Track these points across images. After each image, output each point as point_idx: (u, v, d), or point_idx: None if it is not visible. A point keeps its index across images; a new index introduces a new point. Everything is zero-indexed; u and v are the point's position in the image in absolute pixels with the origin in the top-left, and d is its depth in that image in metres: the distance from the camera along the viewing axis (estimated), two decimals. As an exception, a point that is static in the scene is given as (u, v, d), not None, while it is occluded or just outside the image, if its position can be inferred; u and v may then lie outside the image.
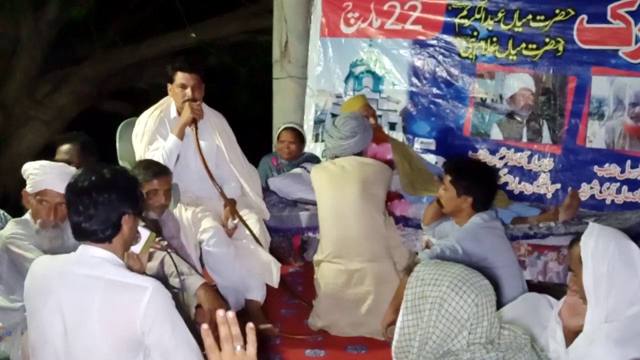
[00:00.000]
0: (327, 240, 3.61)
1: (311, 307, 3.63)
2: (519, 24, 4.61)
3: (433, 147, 4.92)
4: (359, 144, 3.73)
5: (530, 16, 4.58)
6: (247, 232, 3.72)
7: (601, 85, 4.42)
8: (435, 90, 4.91)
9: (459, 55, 4.81)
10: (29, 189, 2.87)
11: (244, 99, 8.87)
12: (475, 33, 4.74)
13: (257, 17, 7.72)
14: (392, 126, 5.00)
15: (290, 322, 3.65)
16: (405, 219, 4.05)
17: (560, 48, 4.51)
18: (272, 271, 3.63)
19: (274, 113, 5.62)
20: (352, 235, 3.52)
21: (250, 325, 1.43)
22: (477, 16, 4.72)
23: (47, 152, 3.63)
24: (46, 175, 2.83)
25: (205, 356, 2.15)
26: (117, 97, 8.96)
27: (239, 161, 3.98)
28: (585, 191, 4.44)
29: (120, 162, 4.12)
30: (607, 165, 4.42)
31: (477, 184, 3.16)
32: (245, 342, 1.44)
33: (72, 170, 2.96)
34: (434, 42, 4.88)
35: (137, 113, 4.00)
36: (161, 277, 2.79)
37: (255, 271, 3.61)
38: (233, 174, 3.90)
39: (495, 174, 3.62)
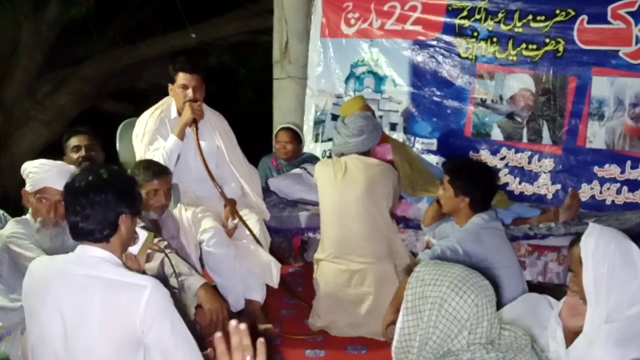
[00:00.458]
0: (328, 240, 3.61)
1: (311, 307, 3.63)
2: (519, 24, 4.61)
3: (434, 148, 4.92)
4: (364, 142, 3.71)
5: (530, 17, 4.57)
6: (247, 232, 3.72)
7: (601, 86, 4.42)
8: (435, 91, 4.91)
9: (459, 55, 4.81)
10: (28, 187, 2.87)
11: (244, 99, 8.87)
12: (476, 33, 4.74)
13: (257, 17, 7.73)
14: (393, 127, 4.99)
15: (290, 322, 3.65)
16: (406, 220, 4.04)
17: (561, 48, 4.51)
18: (272, 271, 3.63)
19: (274, 113, 5.62)
20: (354, 235, 3.52)
21: (261, 340, 1.44)
22: (477, 17, 4.72)
23: (48, 152, 3.63)
24: (45, 174, 2.83)
25: (205, 356, 2.17)
26: (117, 97, 8.96)
27: (239, 161, 3.98)
28: (585, 192, 4.43)
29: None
30: (607, 165, 4.42)
31: (475, 185, 3.16)
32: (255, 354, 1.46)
33: (71, 168, 2.97)
34: (434, 42, 4.88)
35: (137, 113, 4.00)
36: (161, 278, 2.79)
37: (256, 271, 3.61)
38: (233, 174, 3.90)
39: (494, 175, 3.62)
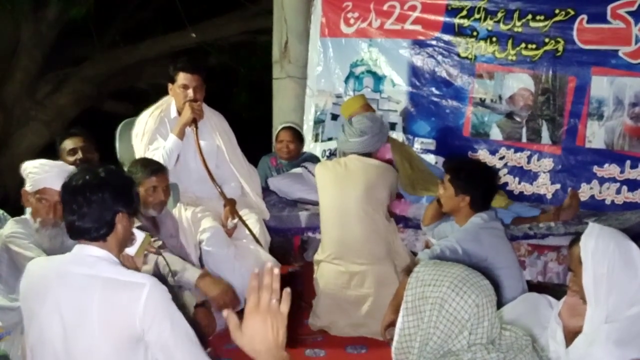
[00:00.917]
0: (329, 241, 3.61)
1: (311, 307, 3.63)
2: (518, 24, 4.61)
3: (433, 147, 4.92)
4: (366, 144, 3.70)
5: (530, 16, 4.57)
6: (247, 232, 3.72)
7: (601, 86, 4.42)
8: (434, 90, 4.91)
9: (459, 55, 4.80)
10: (28, 187, 2.87)
11: (243, 99, 8.86)
12: (475, 33, 4.74)
13: (257, 18, 7.73)
14: (392, 126, 4.99)
15: (289, 322, 3.64)
16: (405, 219, 4.05)
17: (560, 48, 4.51)
18: (271, 271, 3.62)
19: (274, 113, 5.62)
20: (354, 237, 3.52)
21: (287, 290, 1.51)
22: (477, 16, 4.71)
23: (48, 153, 3.64)
24: (45, 174, 2.84)
25: (209, 354, 2.17)
26: (117, 97, 8.95)
27: (239, 161, 3.98)
28: (585, 191, 4.43)
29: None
30: (606, 165, 4.42)
31: (475, 184, 3.17)
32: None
33: (71, 168, 2.97)
34: (434, 42, 4.87)
35: (137, 113, 4.01)
36: (158, 277, 2.79)
37: (255, 271, 3.60)
38: (233, 174, 3.90)
39: (495, 174, 3.62)
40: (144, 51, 8.31)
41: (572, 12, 4.46)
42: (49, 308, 2.05)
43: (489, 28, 4.69)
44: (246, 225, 3.71)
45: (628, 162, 4.37)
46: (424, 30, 4.89)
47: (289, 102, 5.49)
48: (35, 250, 2.72)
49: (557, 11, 4.49)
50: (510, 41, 4.63)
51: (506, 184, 4.64)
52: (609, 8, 4.35)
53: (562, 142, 4.54)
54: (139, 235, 2.31)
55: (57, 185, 2.67)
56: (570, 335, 2.19)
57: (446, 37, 4.83)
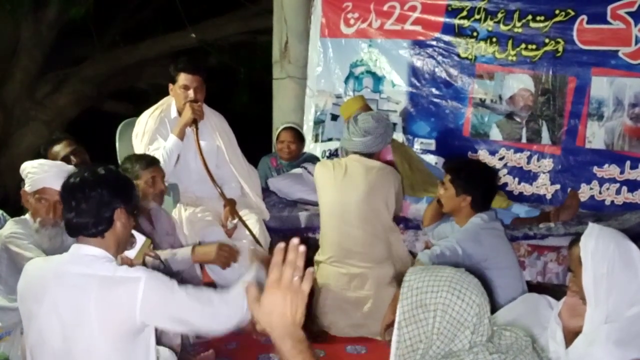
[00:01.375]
0: (328, 243, 3.60)
1: (311, 307, 3.63)
2: (518, 24, 4.61)
3: (433, 148, 4.92)
4: (368, 144, 3.65)
5: (530, 17, 4.57)
6: (247, 232, 3.72)
7: (601, 86, 4.42)
8: (434, 91, 4.91)
9: (459, 55, 4.80)
10: (27, 188, 2.87)
11: (243, 99, 8.86)
12: (475, 33, 4.74)
13: (257, 18, 7.72)
14: (392, 127, 4.99)
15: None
16: (405, 220, 4.04)
17: (560, 49, 4.51)
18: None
19: (274, 113, 5.62)
20: (353, 240, 3.51)
21: (311, 269, 1.47)
22: (477, 17, 4.71)
23: (40, 155, 3.62)
24: (44, 174, 2.83)
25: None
26: (117, 97, 8.95)
27: (239, 162, 3.98)
28: (584, 192, 4.43)
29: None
30: (606, 166, 4.42)
31: (476, 184, 3.17)
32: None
33: (70, 168, 2.97)
34: (434, 42, 4.87)
35: (137, 113, 4.01)
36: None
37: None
38: (233, 174, 3.90)
39: (495, 174, 3.62)
40: (144, 51, 8.30)
41: (572, 13, 4.46)
42: (47, 308, 2.05)
43: (489, 29, 4.69)
44: (246, 226, 3.71)
45: (628, 163, 4.37)
46: (424, 30, 4.89)
47: (289, 103, 5.49)
48: (35, 251, 2.72)
49: (557, 12, 4.50)
50: (510, 42, 4.63)
51: (506, 184, 4.65)
52: (609, 8, 4.36)
53: (562, 142, 4.54)
54: (140, 239, 2.31)
55: (56, 185, 2.67)
56: (570, 336, 2.18)
57: (446, 38, 4.83)
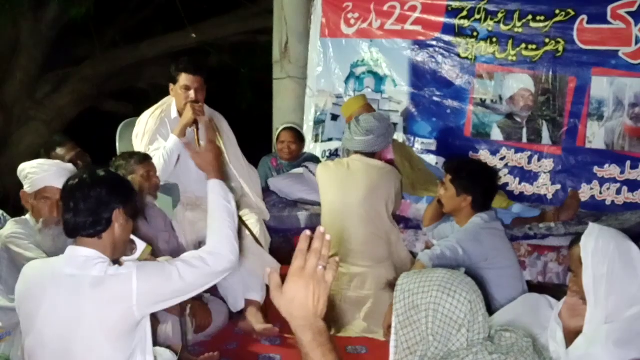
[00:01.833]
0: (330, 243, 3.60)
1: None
2: (518, 24, 4.61)
3: (434, 148, 4.92)
4: (370, 143, 3.66)
5: (530, 17, 4.58)
6: (247, 232, 3.71)
7: (601, 86, 4.42)
8: (435, 91, 4.91)
9: (459, 55, 4.81)
10: (27, 188, 2.87)
11: (244, 99, 8.86)
12: (475, 33, 4.74)
13: (257, 18, 7.72)
14: (394, 127, 4.99)
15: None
16: (406, 220, 4.04)
17: (560, 49, 4.51)
18: (272, 271, 3.63)
19: (274, 113, 5.62)
20: (355, 239, 3.51)
21: (336, 258, 1.45)
22: (477, 17, 4.72)
23: (41, 156, 3.63)
24: (45, 173, 2.83)
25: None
26: (118, 97, 8.95)
27: (239, 162, 3.98)
28: (585, 192, 4.44)
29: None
30: (607, 166, 4.42)
31: (477, 184, 3.17)
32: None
33: (70, 166, 2.98)
34: (434, 42, 4.88)
35: (138, 113, 4.00)
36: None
37: (255, 271, 3.61)
38: (233, 174, 3.90)
39: (495, 174, 3.63)
40: (144, 51, 8.30)
41: (572, 13, 4.46)
42: (46, 311, 2.05)
43: (489, 29, 4.69)
44: (246, 226, 3.71)
45: (628, 163, 4.38)
46: (424, 30, 4.90)
47: (289, 103, 5.49)
48: (35, 251, 2.71)
49: (557, 12, 4.50)
50: (510, 42, 4.63)
51: (507, 184, 4.65)
52: (609, 8, 4.36)
53: (563, 142, 4.55)
54: (140, 245, 2.31)
55: (57, 183, 2.67)
56: (571, 336, 2.18)
57: (446, 38, 4.84)
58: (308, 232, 1.44)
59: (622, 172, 4.38)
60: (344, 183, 3.58)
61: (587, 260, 2.13)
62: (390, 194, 3.61)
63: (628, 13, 4.34)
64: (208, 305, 3.40)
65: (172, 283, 2.10)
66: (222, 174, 2.49)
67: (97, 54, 8.12)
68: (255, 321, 3.41)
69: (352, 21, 5.14)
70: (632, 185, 4.36)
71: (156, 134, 3.75)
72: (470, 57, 4.78)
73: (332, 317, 3.52)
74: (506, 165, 4.68)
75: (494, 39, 4.69)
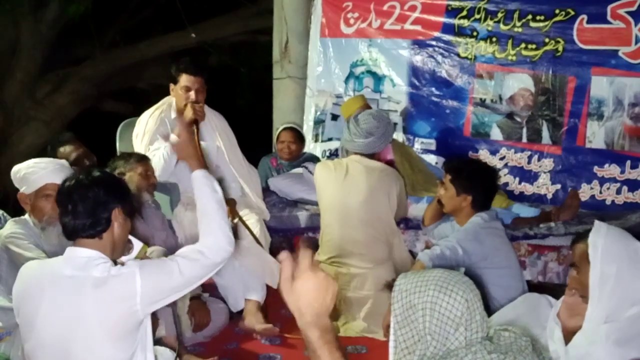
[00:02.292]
0: (328, 243, 3.60)
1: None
2: (518, 24, 4.61)
3: (433, 148, 4.92)
4: (371, 145, 3.64)
5: (530, 16, 4.58)
6: (247, 232, 3.72)
7: (601, 86, 4.42)
8: (434, 91, 4.91)
9: (458, 55, 4.81)
10: (25, 189, 2.85)
11: (244, 99, 8.86)
12: (475, 33, 4.74)
13: (257, 18, 7.72)
14: (393, 129, 4.99)
15: (289, 322, 3.63)
16: (406, 220, 4.04)
17: (560, 48, 4.51)
18: (272, 271, 3.63)
19: (274, 113, 5.62)
20: (354, 241, 3.50)
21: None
22: (477, 16, 4.72)
23: (47, 153, 3.63)
24: (43, 171, 2.83)
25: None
26: (118, 97, 8.95)
27: (239, 162, 3.98)
28: (585, 191, 4.44)
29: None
30: (607, 165, 4.42)
31: (477, 183, 3.16)
32: None
33: (64, 162, 2.98)
34: (434, 42, 4.87)
35: (138, 113, 4.01)
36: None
37: (255, 271, 3.61)
38: (233, 174, 3.90)
39: (495, 174, 3.63)
40: (144, 51, 8.30)
41: (572, 12, 4.46)
42: (45, 312, 2.05)
43: (489, 28, 4.69)
44: (246, 226, 3.71)
45: (628, 162, 4.38)
46: (424, 30, 4.89)
47: (289, 102, 5.49)
48: (35, 251, 2.71)
49: (557, 11, 4.50)
50: (510, 41, 4.63)
51: (506, 184, 4.65)
52: (609, 8, 4.36)
53: (562, 142, 4.55)
54: (137, 245, 2.31)
55: (57, 179, 2.67)
56: (570, 336, 2.18)
57: (446, 37, 4.84)
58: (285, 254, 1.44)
59: (622, 172, 4.39)
60: (343, 185, 3.56)
61: (595, 259, 2.11)
62: (391, 196, 3.58)
63: (628, 13, 4.34)
64: (207, 304, 3.40)
65: (174, 279, 2.11)
66: (203, 161, 2.49)
67: (97, 54, 8.13)
68: (256, 321, 3.41)
69: (352, 21, 5.14)
70: (632, 185, 4.36)
71: (156, 134, 3.75)
72: (470, 56, 4.77)
73: (332, 316, 3.52)
74: (506, 165, 4.68)
75: (494, 39, 4.69)
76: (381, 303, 3.27)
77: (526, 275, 3.68)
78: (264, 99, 6.18)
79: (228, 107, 5.42)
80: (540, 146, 4.61)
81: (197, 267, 2.18)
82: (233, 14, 8.22)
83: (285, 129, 4.93)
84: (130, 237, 2.29)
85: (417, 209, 3.99)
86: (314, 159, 4.87)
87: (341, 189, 3.57)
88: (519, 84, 4.66)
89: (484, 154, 4.74)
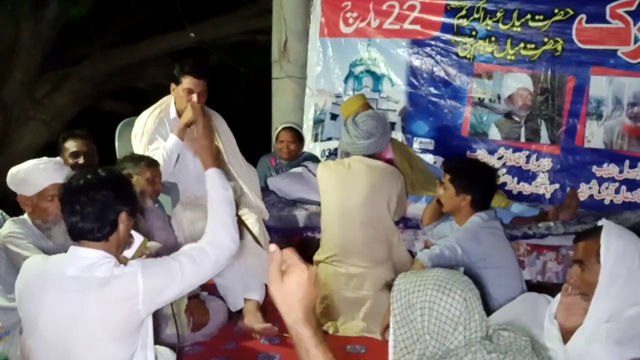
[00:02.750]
0: (328, 243, 3.60)
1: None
2: (517, 23, 4.61)
3: (432, 147, 4.92)
4: (372, 146, 3.63)
5: (529, 16, 4.58)
6: (247, 232, 3.72)
7: (600, 85, 4.42)
8: (433, 90, 4.91)
9: (457, 55, 4.80)
10: (26, 191, 2.84)
11: (243, 98, 8.86)
12: (474, 33, 4.74)
13: (256, 17, 7.72)
14: (392, 126, 4.97)
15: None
16: (405, 219, 4.04)
17: (559, 48, 4.51)
18: (271, 271, 3.63)
19: (273, 113, 5.62)
20: (354, 241, 3.51)
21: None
22: (476, 16, 4.72)
23: (47, 152, 3.63)
24: (44, 172, 2.83)
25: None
26: (117, 97, 8.95)
27: (238, 162, 3.98)
28: (584, 191, 4.44)
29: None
30: (605, 165, 4.42)
31: (476, 183, 3.17)
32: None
33: (61, 160, 2.98)
34: (432, 41, 4.87)
35: (137, 113, 4.01)
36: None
37: (255, 271, 3.61)
38: (232, 174, 3.90)
39: (494, 173, 3.64)
40: (143, 51, 8.30)
41: (571, 12, 4.46)
42: (47, 310, 2.05)
43: (488, 28, 4.69)
44: (245, 225, 3.71)
45: (627, 162, 4.38)
46: (422, 29, 4.89)
47: (288, 102, 5.49)
48: (34, 250, 2.71)
49: (556, 11, 4.50)
50: (509, 41, 4.63)
51: (505, 183, 4.65)
52: (608, 8, 4.36)
53: (561, 141, 4.55)
54: (137, 238, 2.31)
55: (59, 179, 2.68)
56: (568, 335, 2.18)
57: (445, 37, 4.84)
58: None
59: (621, 172, 4.39)
60: (344, 184, 3.57)
61: (608, 259, 2.11)
62: (391, 196, 3.58)
63: (627, 12, 4.34)
64: (205, 303, 3.40)
65: (176, 278, 2.11)
66: (218, 160, 2.52)
67: (97, 53, 8.13)
68: (255, 320, 3.41)
69: (351, 20, 5.14)
70: (631, 185, 4.36)
71: (155, 134, 3.75)
72: (468, 56, 4.78)
73: (332, 316, 3.52)
74: (504, 165, 4.68)
75: (493, 38, 4.69)
76: (380, 303, 3.27)
77: (525, 274, 3.68)
78: (263, 98, 6.19)
79: (227, 106, 5.42)
80: (538, 146, 4.61)
81: (199, 265, 2.18)
82: (232, 13, 8.22)
83: (284, 128, 4.93)
84: (132, 231, 2.30)
85: (416, 209, 3.99)
86: (313, 159, 4.87)
87: (342, 188, 3.57)
88: (517, 83, 4.66)
89: (482, 154, 4.74)
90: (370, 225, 3.52)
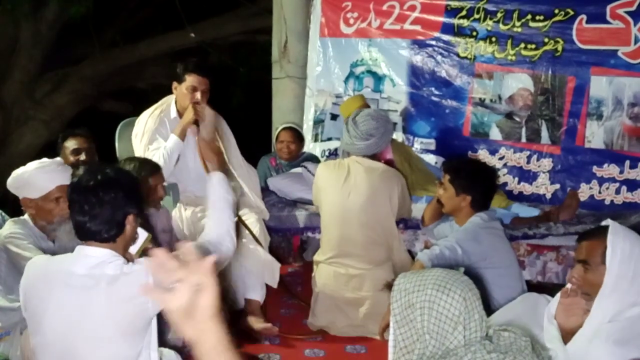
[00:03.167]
0: (328, 243, 3.60)
1: (309, 307, 3.63)
2: (518, 24, 4.61)
3: (433, 147, 4.92)
4: (372, 146, 3.62)
5: (529, 16, 4.58)
6: (247, 232, 3.72)
7: (600, 86, 4.42)
8: (434, 90, 4.91)
9: (458, 55, 4.81)
10: (31, 194, 2.84)
11: (243, 99, 8.86)
12: (474, 33, 4.74)
13: (256, 17, 7.73)
14: (393, 126, 4.99)
15: (289, 322, 3.65)
16: (405, 220, 4.04)
17: (559, 48, 4.51)
18: (271, 271, 3.64)
19: (273, 113, 5.62)
20: (354, 242, 3.50)
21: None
22: (476, 16, 4.72)
23: (47, 152, 3.63)
24: (49, 174, 2.83)
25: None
26: (117, 96, 8.95)
27: (238, 162, 3.98)
28: (584, 191, 4.44)
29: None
30: (606, 165, 4.42)
31: (476, 183, 3.16)
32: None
33: (61, 160, 2.98)
34: (433, 42, 4.88)
35: (137, 113, 4.00)
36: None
37: (255, 271, 3.61)
38: (232, 174, 3.90)
39: (494, 173, 3.63)
40: (143, 51, 8.31)
41: (572, 12, 4.46)
42: (53, 309, 2.05)
43: (489, 28, 4.69)
44: (245, 225, 3.71)
45: (627, 162, 4.38)
46: (423, 30, 4.90)
47: (288, 102, 5.49)
48: (34, 251, 2.71)
49: (556, 11, 4.50)
50: (509, 41, 4.63)
51: (505, 184, 4.65)
52: (608, 8, 4.36)
53: (562, 142, 4.55)
54: (142, 235, 2.32)
55: (65, 180, 2.68)
56: (568, 336, 2.18)
57: (446, 37, 4.84)
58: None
59: (621, 172, 4.39)
60: (344, 186, 3.55)
61: (614, 260, 2.10)
62: (392, 198, 3.56)
63: (627, 12, 4.34)
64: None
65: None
66: (223, 166, 2.57)
67: (97, 53, 8.13)
68: (255, 320, 3.41)
69: (352, 21, 5.14)
70: (631, 185, 4.36)
71: (155, 134, 3.75)
72: (469, 56, 4.78)
73: (331, 316, 3.52)
74: (505, 165, 4.68)
75: (493, 39, 4.69)
76: (380, 303, 3.27)
77: (525, 275, 3.68)
78: (263, 98, 6.19)
79: (227, 106, 5.42)
80: (539, 146, 4.61)
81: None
82: (232, 13, 8.22)
83: (284, 128, 4.93)
84: None
85: (416, 209, 3.99)
86: (314, 159, 4.87)
87: (341, 190, 3.56)
88: (518, 83, 4.66)
89: (483, 154, 4.74)
90: (370, 228, 3.51)
